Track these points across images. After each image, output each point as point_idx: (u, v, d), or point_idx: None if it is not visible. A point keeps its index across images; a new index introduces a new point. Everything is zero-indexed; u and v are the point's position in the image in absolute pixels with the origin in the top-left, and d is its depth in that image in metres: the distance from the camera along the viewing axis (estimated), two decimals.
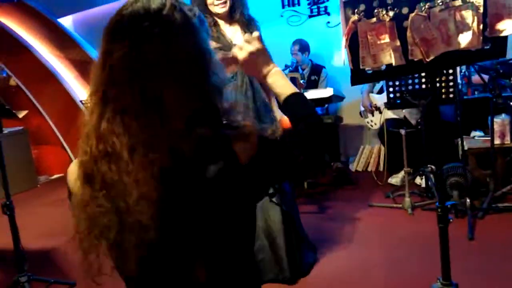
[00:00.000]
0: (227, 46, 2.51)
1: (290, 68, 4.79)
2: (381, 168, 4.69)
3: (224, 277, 0.92)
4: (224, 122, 0.94)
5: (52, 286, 2.69)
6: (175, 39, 0.88)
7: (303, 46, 4.82)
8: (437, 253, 1.69)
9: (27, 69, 6.23)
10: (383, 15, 1.33)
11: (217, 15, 2.54)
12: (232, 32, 2.59)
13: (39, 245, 3.53)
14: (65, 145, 6.79)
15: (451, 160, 3.55)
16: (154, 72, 0.86)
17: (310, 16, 5.17)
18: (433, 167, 3.58)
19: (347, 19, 1.44)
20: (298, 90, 1.10)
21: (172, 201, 0.85)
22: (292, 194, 2.81)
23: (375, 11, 1.32)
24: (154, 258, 0.89)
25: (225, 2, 2.49)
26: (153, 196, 0.82)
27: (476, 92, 4.00)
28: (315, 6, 5.12)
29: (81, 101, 5.35)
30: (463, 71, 3.51)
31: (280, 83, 1.10)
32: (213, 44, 2.44)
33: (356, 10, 1.39)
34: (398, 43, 1.43)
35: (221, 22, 2.58)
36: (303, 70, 4.89)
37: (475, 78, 3.72)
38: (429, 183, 3.57)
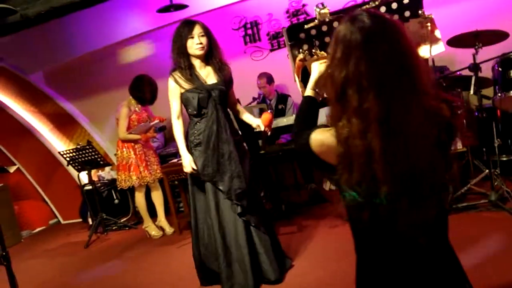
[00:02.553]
0: (200, 86, 2.96)
1: (258, 100, 5.09)
2: None
3: None
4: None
5: None
6: (405, 33, 1.24)
7: (269, 78, 5.14)
8: None
9: (2, 127, 6.35)
10: (317, 53, 1.61)
11: (195, 56, 2.96)
12: (207, 73, 3.02)
13: None
14: (45, 198, 6.85)
15: None
16: (409, 60, 1.20)
17: (271, 50, 5.52)
18: None
19: (294, 57, 1.72)
20: None
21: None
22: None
23: (313, 50, 1.60)
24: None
25: (203, 47, 2.93)
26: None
27: None
28: (275, 41, 5.48)
29: (59, 152, 5.48)
30: None
31: None
32: (185, 85, 2.97)
33: (300, 50, 1.67)
34: None
35: (196, 64, 3.00)
36: (270, 100, 5.19)
37: None
38: None
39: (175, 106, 3.05)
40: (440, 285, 1.30)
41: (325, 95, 1.60)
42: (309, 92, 1.53)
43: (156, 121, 4.75)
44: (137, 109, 4.68)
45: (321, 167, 1.32)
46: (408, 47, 1.22)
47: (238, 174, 2.93)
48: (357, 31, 1.21)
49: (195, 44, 2.91)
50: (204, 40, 2.92)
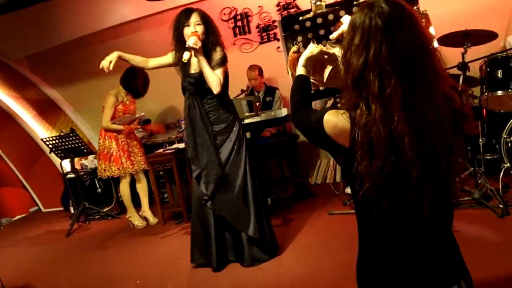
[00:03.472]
0: (182, 73, 3.07)
1: (246, 92, 5.06)
2: (338, 179, 4.98)
3: None
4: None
5: None
6: (419, 18, 1.25)
7: (260, 70, 5.12)
8: None
9: None
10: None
11: None
12: (196, 60, 3.01)
13: (17, 283, 3.57)
14: (26, 185, 6.72)
15: None
16: (426, 45, 1.22)
17: (261, 43, 5.48)
18: None
19: (288, 49, 1.70)
20: None
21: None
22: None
23: (310, 43, 1.58)
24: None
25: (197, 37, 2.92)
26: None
27: None
28: (265, 33, 5.44)
29: (42, 139, 5.38)
30: None
31: None
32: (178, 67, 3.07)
33: (295, 42, 1.65)
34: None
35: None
36: (258, 92, 5.17)
37: None
38: None
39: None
40: (442, 274, 1.30)
41: (314, 82, 1.60)
42: (301, 70, 1.52)
43: (142, 113, 4.71)
44: (125, 100, 4.63)
45: (330, 147, 1.31)
46: (424, 32, 1.23)
47: (213, 160, 3.02)
48: (376, 16, 1.21)
49: (190, 33, 2.93)
50: (200, 28, 2.94)
